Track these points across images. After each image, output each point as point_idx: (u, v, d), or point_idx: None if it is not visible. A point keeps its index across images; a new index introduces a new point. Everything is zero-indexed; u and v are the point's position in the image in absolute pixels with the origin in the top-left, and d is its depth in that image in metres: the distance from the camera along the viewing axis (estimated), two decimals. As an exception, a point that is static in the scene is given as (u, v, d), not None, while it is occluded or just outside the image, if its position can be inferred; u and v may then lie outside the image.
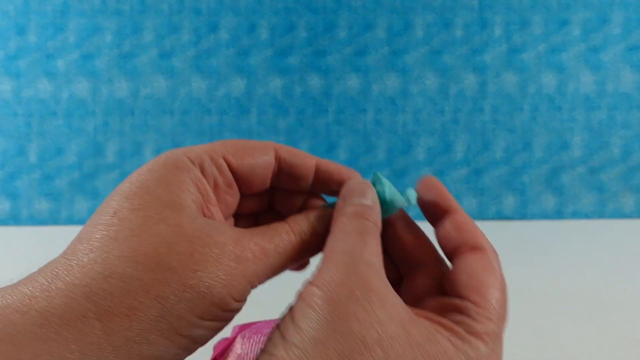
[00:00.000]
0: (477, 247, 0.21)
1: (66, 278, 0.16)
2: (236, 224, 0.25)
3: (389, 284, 0.19)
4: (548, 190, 1.53)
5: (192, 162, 0.21)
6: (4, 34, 1.56)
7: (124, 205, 0.19)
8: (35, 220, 1.55)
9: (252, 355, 0.37)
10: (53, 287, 0.16)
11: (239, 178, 0.23)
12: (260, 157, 0.23)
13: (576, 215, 1.52)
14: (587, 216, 1.52)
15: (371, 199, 0.22)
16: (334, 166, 0.24)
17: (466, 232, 0.21)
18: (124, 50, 1.57)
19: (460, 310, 0.19)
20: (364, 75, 1.56)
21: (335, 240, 0.20)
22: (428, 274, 0.22)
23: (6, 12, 1.55)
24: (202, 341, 0.18)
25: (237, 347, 0.38)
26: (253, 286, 0.20)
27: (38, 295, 0.16)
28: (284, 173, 0.24)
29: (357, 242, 0.19)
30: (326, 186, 0.24)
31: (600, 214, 1.51)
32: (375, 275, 0.18)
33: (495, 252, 0.21)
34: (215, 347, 0.40)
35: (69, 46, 1.57)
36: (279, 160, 0.23)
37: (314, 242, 0.22)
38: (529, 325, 0.60)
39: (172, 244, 0.18)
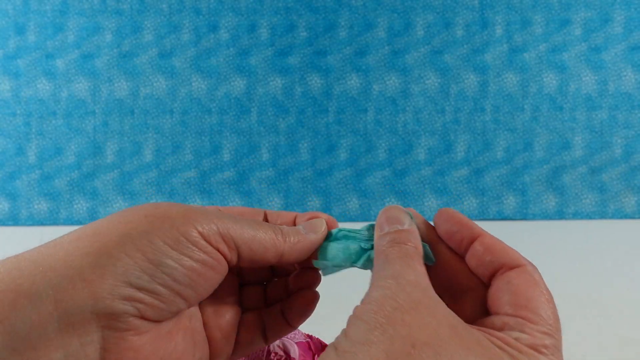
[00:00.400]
0: (514, 264, 0.21)
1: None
2: (245, 295, 0.26)
3: (439, 299, 0.19)
4: (549, 191, 1.52)
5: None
6: (3, 33, 1.55)
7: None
8: (35, 220, 1.55)
9: None
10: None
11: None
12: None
13: (577, 215, 1.52)
14: (588, 216, 1.51)
15: (408, 224, 0.22)
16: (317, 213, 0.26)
17: (499, 252, 0.21)
18: (123, 50, 1.57)
19: (513, 328, 0.19)
20: (365, 75, 1.56)
21: (379, 268, 0.20)
22: (475, 299, 0.22)
23: (5, 12, 1.55)
24: (171, 274, 0.19)
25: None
26: (224, 234, 0.20)
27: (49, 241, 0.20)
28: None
29: (401, 266, 0.20)
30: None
31: (602, 214, 1.51)
32: (421, 291, 0.18)
33: (533, 265, 0.21)
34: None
35: (68, 46, 1.56)
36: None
37: (297, 242, 0.23)
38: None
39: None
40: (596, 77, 1.52)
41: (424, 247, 0.23)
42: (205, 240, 0.20)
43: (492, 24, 1.54)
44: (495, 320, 0.19)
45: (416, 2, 1.54)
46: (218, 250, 0.20)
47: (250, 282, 0.26)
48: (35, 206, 1.55)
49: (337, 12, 1.56)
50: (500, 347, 0.17)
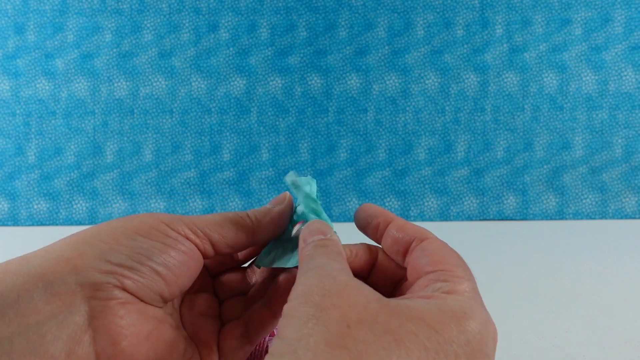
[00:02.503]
0: (424, 237, 0.23)
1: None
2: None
3: (364, 283, 0.19)
4: (549, 191, 1.52)
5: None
6: (2, 33, 1.55)
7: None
8: (34, 220, 1.55)
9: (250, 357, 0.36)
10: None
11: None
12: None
13: (578, 215, 1.51)
14: (588, 217, 1.51)
15: (330, 235, 0.23)
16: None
17: (409, 230, 0.23)
18: (123, 50, 1.57)
19: (436, 281, 0.20)
20: (365, 75, 1.56)
21: (302, 265, 0.21)
22: (408, 285, 0.24)
23: (5, 11, 1.55)
24: (146, 254, 0.21)
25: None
26: (191, 228, 0.23)
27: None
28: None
29: (326, 259, 0.21)
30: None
31: (602, 215, 1.51)
32: (347, 275, 0.19)
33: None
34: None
35: (67, 45, 1.56)
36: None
37: (258, 224, 0.25)
38: (530, 326, 0.59)
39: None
40: (596, 77, 1.52)
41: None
42: (174, 231, 0.22)
43: (492, 23, 1.54)
44: (420, 282, 0.21)
45: (416, 2, 1.54)
46: (187, 238, 0.22)
47: (228, 296, 0.28)
48: (35, 206, 1.55)
49: (337, 11, 1.56)
50: (427, 302, 0.18)
